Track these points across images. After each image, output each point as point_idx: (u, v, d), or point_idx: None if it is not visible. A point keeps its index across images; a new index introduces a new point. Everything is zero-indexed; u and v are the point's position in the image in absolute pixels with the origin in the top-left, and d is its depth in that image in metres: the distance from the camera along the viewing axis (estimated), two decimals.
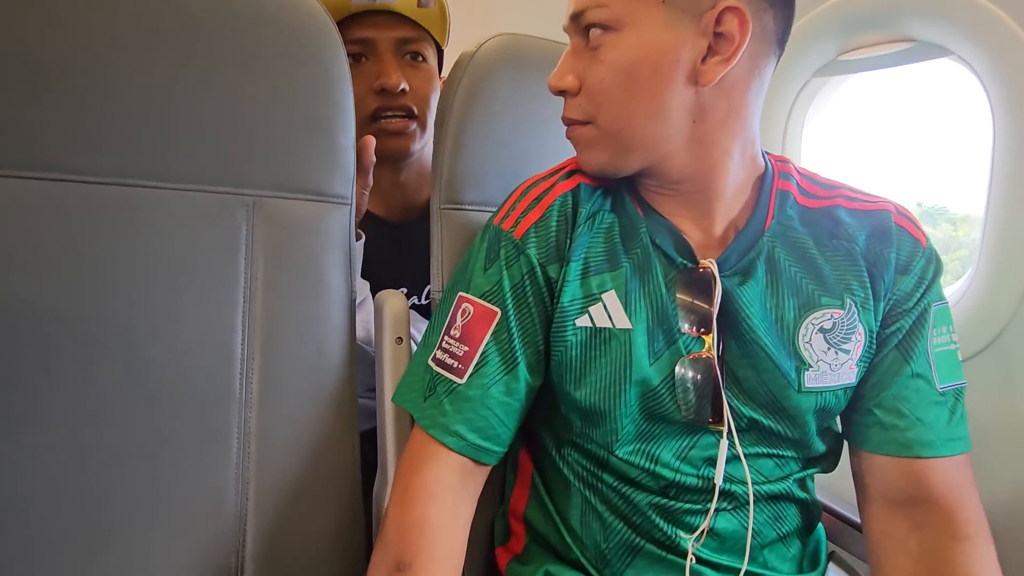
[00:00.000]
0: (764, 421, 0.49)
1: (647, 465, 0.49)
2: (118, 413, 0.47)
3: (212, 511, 0.50)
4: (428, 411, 0.49)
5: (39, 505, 0.45)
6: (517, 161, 0.64)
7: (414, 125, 0.76)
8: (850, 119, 0.90)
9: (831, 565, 0.58)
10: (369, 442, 0.59)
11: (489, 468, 0.51)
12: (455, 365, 0.49)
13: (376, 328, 0.61)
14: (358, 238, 0.64)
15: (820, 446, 0.52)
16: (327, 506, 0.55)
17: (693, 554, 0.49)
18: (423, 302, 0.83)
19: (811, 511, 0.54)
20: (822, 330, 0.48)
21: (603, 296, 0.49)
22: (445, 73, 0.81)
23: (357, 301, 0.61)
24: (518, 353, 0.49)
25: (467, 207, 0.62)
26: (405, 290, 0.82)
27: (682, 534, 0.49)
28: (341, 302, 0.57)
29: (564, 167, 0.55)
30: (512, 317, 0.49)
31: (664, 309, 0.49)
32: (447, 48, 0.83)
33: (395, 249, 0.79)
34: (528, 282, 0.50)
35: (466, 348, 0.49)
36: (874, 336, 0.50)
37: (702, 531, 0.48)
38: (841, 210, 0.51)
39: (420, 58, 0.77)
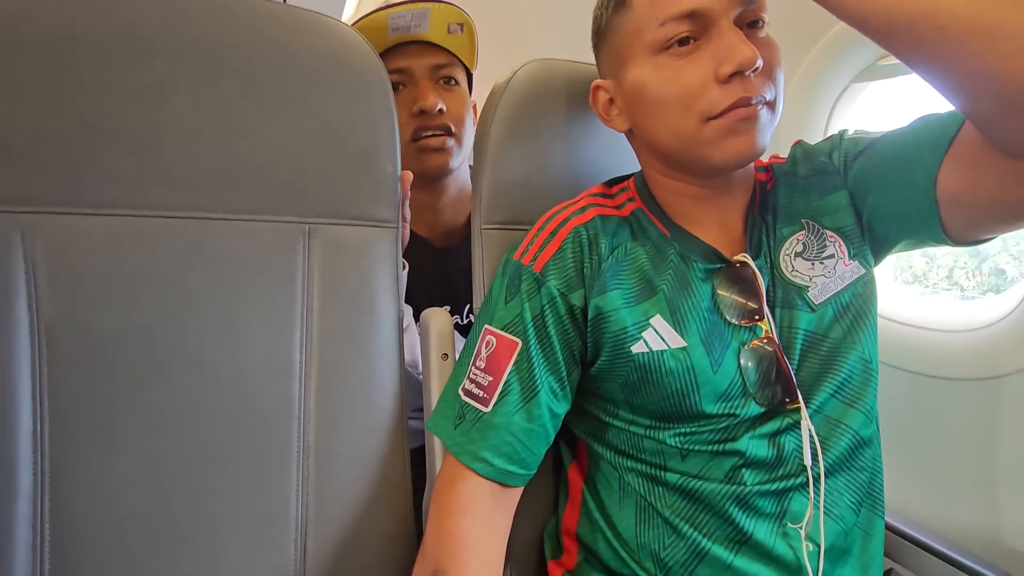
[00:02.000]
0: (822, 375, 0.51)
1: (718, 448, 0.50)
2: (191, 429, 0.51)
3: (276, 521, 0.53)
4: (458, 438, 0.52)
5: (122, 512, 0.49)
6: (553, 181, 0.66)
7: (452, 141, 0.80)
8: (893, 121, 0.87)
9: None
10: (415, 460, 0.61)
11: (520, 488, 0.54)
12: (481, 395, 0.52)
13: (423, 345, 0.63)
14: (402, 267, 0.67)
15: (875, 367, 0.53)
16: (381, 519, 0.58)
17: (764, 550, 0.49)
18: (464, 322, 0.86)
19: (876, 487, 0.53)
20: (797, 254, 0.53)
21: (651, 321, 0.51)
22: (475, 96, 0.85)
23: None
24: (539, 382, 0.51)
25: (506, 227, 0.64)
26: (448, 308, 0.85)
27: (759, 523, 0.49)
28: (390, 320, 0.60)
29: (578, 201, 0.58)
30: (533, 347, 0.52)
31: (711, 315, 0.51)
32: (476, 70, 0.87)
33: (438, 270, 0.83)
34: (548, 312, 0.52)
35: (491, 378, 0.52)
36: (858, 225, 0.53)
37: (808, 519, 0.49)
38: (775, 165, 0.59)
39: (453, 81, 0.81)
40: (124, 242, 0.51)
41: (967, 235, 0.48)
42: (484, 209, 0.64)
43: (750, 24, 0.47)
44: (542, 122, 0.65)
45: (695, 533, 0.50)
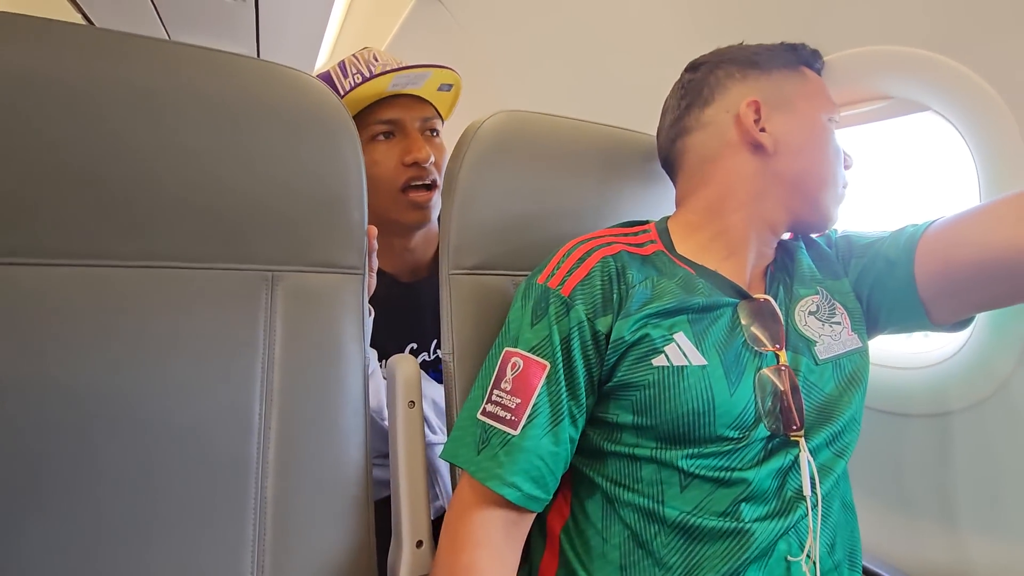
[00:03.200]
0: (818, 424, 0.54)
1: (725, 476, 0.50)
2: (138, 489, 0.49)
3: None
4: (484, 463, 0.50)
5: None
6: (519, 228, 0.67)
7: (436, 196, 0.83)
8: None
9: None
10: (380, 511, 0.59)
11: (534, 515, 0.53)
12: (508, 417, 0.51)
13: (389, 393, 0.62)
14: (368, 313, 0.67)
15: (857, 424, 0.58)
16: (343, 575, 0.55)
17: None
18: (431, 358, 0.86)
19: (855, 545, 0.56)
20: (811, 312, 0.59)
21: (675, 336, 0.52)
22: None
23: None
24: (564, 404, 0.51)
25: (475, 272, 0.65)
26: (414, 345, 0.85)
27: (753, 567, 0.49)
28: (355, 369, 0.59)
29: (601, 236, 0.59)
30: (561, 369, 0.52)
31: (733, 340, 0.54)
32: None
33: (405, 305, 0.83)
34: (575, 336, 0.52)
35: (518, 400, 0.51)
36: (861, 307, 0.61)
37: (807, 548, 0.50)
38: (782, 240, 0.65)
39: (435, 133, 0.85)
40: (76, 292, 0.49)
41: (951, 318, 0.58)
42: (452, 254, 0.64)
43: None
44: (511, 170, 0.66)
45: (688, 574, 0.49)
